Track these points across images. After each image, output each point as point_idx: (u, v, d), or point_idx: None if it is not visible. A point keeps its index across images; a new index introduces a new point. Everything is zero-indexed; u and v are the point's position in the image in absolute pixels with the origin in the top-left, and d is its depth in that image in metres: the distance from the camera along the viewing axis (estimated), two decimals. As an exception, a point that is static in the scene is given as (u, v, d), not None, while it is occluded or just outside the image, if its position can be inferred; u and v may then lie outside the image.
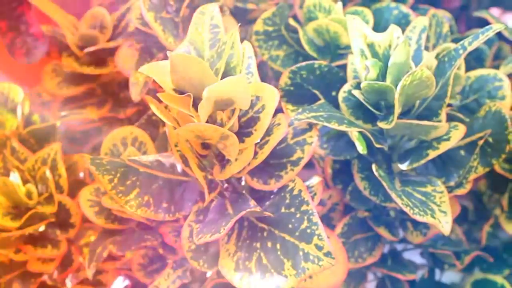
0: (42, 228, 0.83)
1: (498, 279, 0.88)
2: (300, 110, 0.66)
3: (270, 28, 0.89)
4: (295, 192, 0.59)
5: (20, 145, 0.84)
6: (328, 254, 0.54)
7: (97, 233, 0.80)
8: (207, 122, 0.55)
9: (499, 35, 0.91)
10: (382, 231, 0.80)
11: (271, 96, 0.57)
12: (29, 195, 0.81)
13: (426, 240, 0.81)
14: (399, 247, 0.93)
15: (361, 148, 0.72)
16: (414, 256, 0.95)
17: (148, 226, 0.78)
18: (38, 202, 0.82)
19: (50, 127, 0.89)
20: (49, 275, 0.86)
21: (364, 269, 0.89)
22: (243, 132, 0.58)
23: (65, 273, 0.83)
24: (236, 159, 0.57)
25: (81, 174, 0.91)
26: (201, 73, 0.52)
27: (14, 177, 0.81)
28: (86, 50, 0.92)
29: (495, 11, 1.15)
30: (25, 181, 0.82)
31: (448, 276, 0.98)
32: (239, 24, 0.89)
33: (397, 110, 0.65)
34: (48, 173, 0.82)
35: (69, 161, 0.88)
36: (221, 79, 0.54)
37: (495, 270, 0.90)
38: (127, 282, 0.83)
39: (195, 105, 0.54)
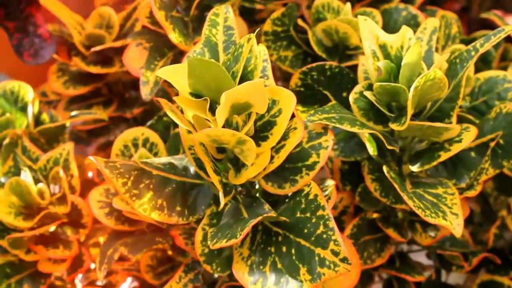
0: (53, 228, 0.83)
1: (505, 280, 0.89)
2: (311, 111, 0.66)
3: (279, 29, 0.89)
4: (311, 196, 0.58)
5: (32, 144, 0.84)
6: (344, 259, 0.54)
7: (107, 235, 0.80)
8: (223, 126, 0.55)
9: (505, 37, 0.91)
10: (391, 233, 0.80)
11: (288, 100, 0.57)
12: (41, 195, 0.81)
13: (435, 241, 0.81)
14: (405, 248, 0.93)
15: (372, 150, 0.71)
16: (419, 257, 0.95)
17: (158, 228, 0.78)
18: (51, 202, 0.81)
19: (60, 126, 0.88)
20: (59, 275, 0.86)
21: (371, 270, 0.89)
22: (259, 136, 0.57)
23: (75, 274, 0.83)
24: (252, 164, 0.57)
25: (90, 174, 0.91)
26: (219, 77, 0.52)
27: (26, 176, 0.80)
28: (93, 49, 0.92)
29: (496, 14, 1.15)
30: (36, 181, 0.82)
31: (454, 277, 0.98)
32: (247, 24, 0.90)
33: (410, 111, 0.65)
34: (61, 173, 0.81)
35: (78, 161, 0.88)
36: (238, 83, 0.54)
37: (502, 271, 0.90)
38: (135, 283, 0.83)
39: (212, 109, 0.53)
